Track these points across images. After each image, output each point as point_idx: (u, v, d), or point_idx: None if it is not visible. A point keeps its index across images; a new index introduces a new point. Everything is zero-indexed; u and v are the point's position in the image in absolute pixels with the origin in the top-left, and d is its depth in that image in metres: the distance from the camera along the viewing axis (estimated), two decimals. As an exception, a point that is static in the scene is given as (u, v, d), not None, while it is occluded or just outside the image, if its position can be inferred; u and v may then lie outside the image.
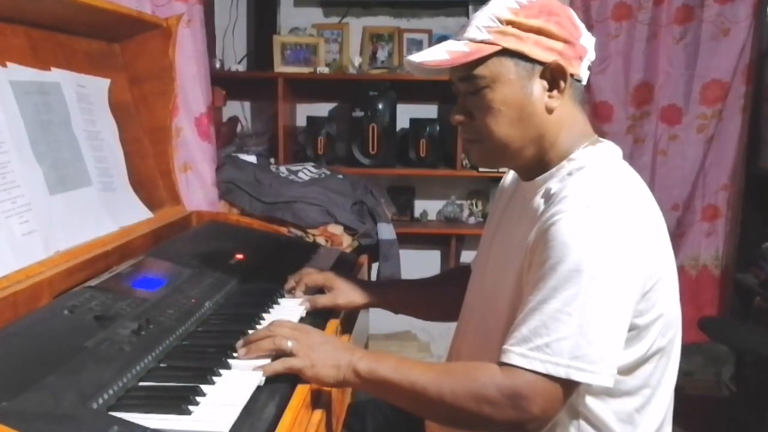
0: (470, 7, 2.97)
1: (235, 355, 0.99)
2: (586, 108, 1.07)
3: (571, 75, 1.01)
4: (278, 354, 0.98)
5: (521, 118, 1.01)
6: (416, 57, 1.03)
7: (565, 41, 1.00)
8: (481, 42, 1.00)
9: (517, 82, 1.00)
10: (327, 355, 0.98)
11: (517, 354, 0.90)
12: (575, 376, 0.88)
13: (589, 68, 1.05)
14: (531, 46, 0.99)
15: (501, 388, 0.90)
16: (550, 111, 1.02)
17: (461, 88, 1.05)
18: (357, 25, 3.06)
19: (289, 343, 0.98)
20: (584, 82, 1.05)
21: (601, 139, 1.07)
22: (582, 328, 0.88)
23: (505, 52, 0.99)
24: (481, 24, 1.00)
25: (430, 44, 3.01)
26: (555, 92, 1.01)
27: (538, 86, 1.01)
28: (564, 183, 1.00)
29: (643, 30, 2.82)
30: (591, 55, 1.04)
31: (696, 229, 2.90)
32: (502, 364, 0.91)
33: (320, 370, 0.96)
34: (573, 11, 1.05)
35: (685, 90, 2.85)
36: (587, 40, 1.04)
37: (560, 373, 0.88)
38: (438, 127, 2.90)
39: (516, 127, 1.02)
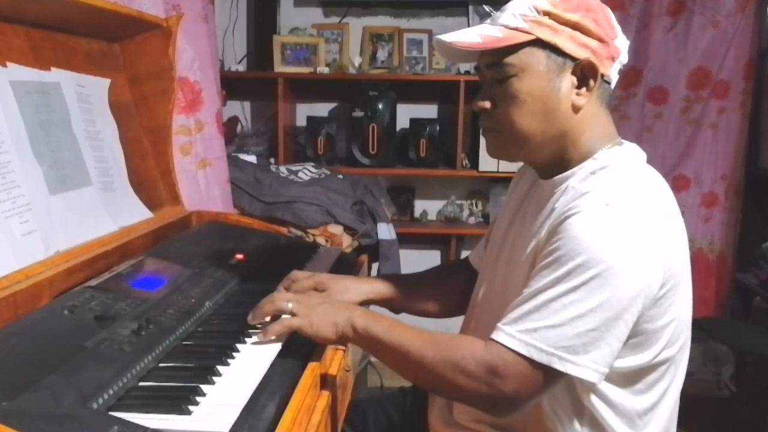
0: (470, 7, 2.98)
1: (237, 351, 0.99)
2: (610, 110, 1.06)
3: (602, 75, 1.00)
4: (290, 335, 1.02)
5: (545, 112, 1.00)
6: (448, 36, 1.01)
7: (600, 40, 0.99)
8: (515, 29, 0.98)
9: (545, 75, 0.98)
10: (326, 313, 1.02)
11: (505, 333, 0.91)
12: (557, 365, 0.88)
13: (620, 72, 1.04)
14: (565, 39, 0.97)
15: (479, 361, 0.91)
16: (576, 109, 1.00)
17: (488, 75, 1.03)
18: (357, 25, 3.06)
19: (290, 305, 1.03)
20: (613, 86, 1.04)
21: (624, 141, 1.06)
22: (574, 321, 0.88)
23: (538, 43, 0.98)
24: (517, 11, 0.99)
25: (430, 44, 3.01)
26: (584, 90, 0.99)
27: (567, 82, 0.99)
28: (586, 181, 0.99)
29: (633, 23, 2.89)
30: (623, 58, 1.02)
31: (694, 213, 2.96)
32: (490, 340, 0.92)
33: (319, 327, 1.01)
34: (611, 11, 1.02)
35: (672, 75, 2.93)
36: (621, 42, 1.02)
37: (542, 359, 0.89)
38: (438, 127, 2.90)
39: (538, 121, 1.00)
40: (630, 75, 2.93)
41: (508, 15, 1.00)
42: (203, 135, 2.01)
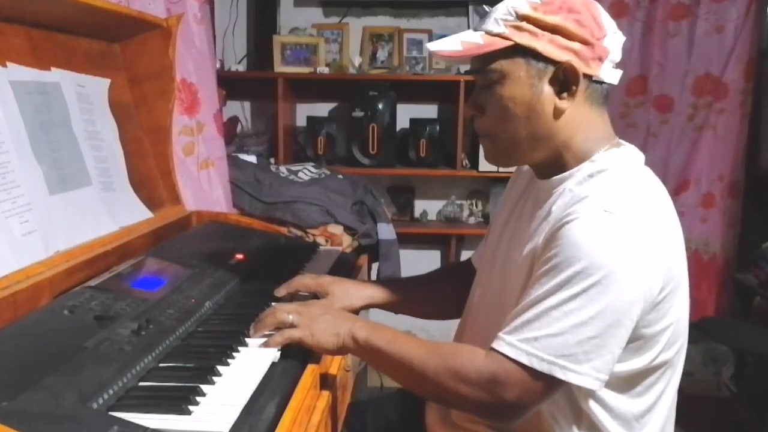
0: (470, 7, 2.98)
1: (237, 351, 0.99)
2: (607, 109, 1.04)
3: (588, 76, 0.98)
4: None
5: (529, 118, 0.99)
6: (432, 45, 1.02)
7: (583, 41, 0.97)
8: (496, 35, 0.98)
9: (527, 81, 0.98)
10: (327, 324, 1.02)
11: (506, 342, 0.91)
12: (558, 374, 0.88)
13: (614, 66, 1.01)
14: (545, 44, 0.96)
15: (480, 370, 0.92)
16: (559, 113, 0.99)
17: (477, 81, 1.04)
18: (357, 25, 3.06)
19: (291, 317, 1.03)
20: (615, 82, 1.01)
21: (622, 142, 1.05)
22: (575, 329, 0.88)
23: (518, 49, 0.97)
24: (499, 16, 0.99)
25: (430, 44, 3.01)
26: (565, 94, 0.98)
27: (549, 87, 0.98)
28: (584, 185, 0.98)
29: (639, 27, 2.88)
30: (615, 56, 1.00)
31: (693, 213, 2.95)
32: (491, 350, 0.92)
33: (321, 339, 1.01)
34: (601, 8, 1.00)
35: (678, 82, 2.91)
36: (612, 40, 1.00)
37: (543, 368, 0.89)
38: (438, 127, 2.90)
39: (523, 127, 1.00)
40: (636, 83, 2.91)
41: (491, 21, 0.99)
42: (204, 136, 2.02)
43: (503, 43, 0.97)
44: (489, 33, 0.99)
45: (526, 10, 0.97)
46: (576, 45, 0.97)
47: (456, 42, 1.00)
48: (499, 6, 1.00)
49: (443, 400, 1.03)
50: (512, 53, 0.98)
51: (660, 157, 2.93)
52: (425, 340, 1.00)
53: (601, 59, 0.99)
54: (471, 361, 0.93)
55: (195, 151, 2.00)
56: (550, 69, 0.98)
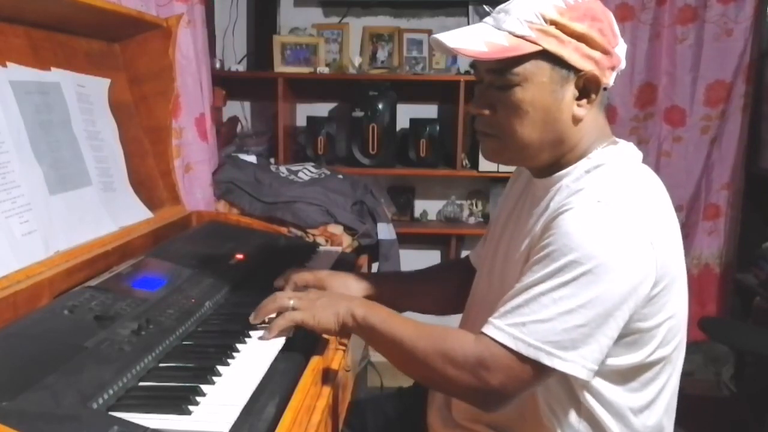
0: (470, 7, 2.98)
1: (237, 351, 0.99)
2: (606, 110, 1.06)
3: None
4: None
5: (546, 122, 0.99)
6: (451, 41, 0.98)
7: (604, 51, 0.98)
8: (521, 37, 0.96)
9: (549, 86, 0.97)
10: (327, 305, 1.05)
11: (494, 326, 0.92)
12: (544, 360, 0.89)
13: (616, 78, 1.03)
14: (571, 51, 0.96)
15: (467, 353, 0.93)
16: (577, 120, 1.00)
17: (488, 79, 1.02)
18: (357, 25, 3.06)
19: (291, 302, 1.06)
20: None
21: (619, 140, 1.06)
22: (563, 316, 0.89)
23: (544, 54, 0.96)
24: (523, 18, 0.96)
25: (431, 44, 3.00)
26: (584, 101, 0.99)
27: (569, 93, 0.98)
28: (580, 180, 0.99)
29: (646, 31, 2.83)
30: (622, 65, 1.02)
31: (699, 228, 2.90)
32: (480, 334, 0.93)
33: (321, 319, 1.03)
34: (613, 17, 1.01)
35: (688, 91, 2.86)
36: (621, 49, 1.01)
37: (530, 353, 0.89)
38: (438, 127, 2.90)
39: (538, 130, 1.00)
40: (645, 91, 2.86)
41: (513, 20, 0.97)
42: (183, 140, 2.03)
43: (531, 48, 0.96)
44: (513, 34, 0.96)
45: (554, 14, 0.96)
46: (597, 54, 0.97)
47: (479, 41, 0.97)
48: (519, 5, 0.98)
49: (431, 381, 1.04)
50: (536, 57, 0.97)
51: (680, 181, 2.84)
52: (420, 321, 1.00)
53: (613, 68, 1.00)
54: (460, 344, 0.94)
55: (181, 153, 2.01)
56: (572, 76, 0.98)
